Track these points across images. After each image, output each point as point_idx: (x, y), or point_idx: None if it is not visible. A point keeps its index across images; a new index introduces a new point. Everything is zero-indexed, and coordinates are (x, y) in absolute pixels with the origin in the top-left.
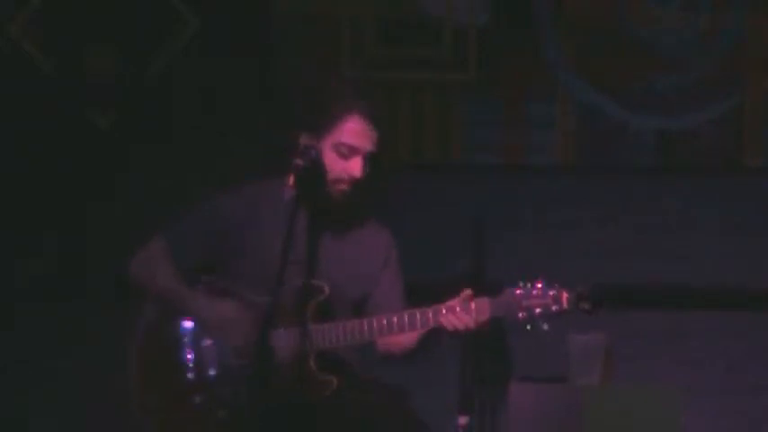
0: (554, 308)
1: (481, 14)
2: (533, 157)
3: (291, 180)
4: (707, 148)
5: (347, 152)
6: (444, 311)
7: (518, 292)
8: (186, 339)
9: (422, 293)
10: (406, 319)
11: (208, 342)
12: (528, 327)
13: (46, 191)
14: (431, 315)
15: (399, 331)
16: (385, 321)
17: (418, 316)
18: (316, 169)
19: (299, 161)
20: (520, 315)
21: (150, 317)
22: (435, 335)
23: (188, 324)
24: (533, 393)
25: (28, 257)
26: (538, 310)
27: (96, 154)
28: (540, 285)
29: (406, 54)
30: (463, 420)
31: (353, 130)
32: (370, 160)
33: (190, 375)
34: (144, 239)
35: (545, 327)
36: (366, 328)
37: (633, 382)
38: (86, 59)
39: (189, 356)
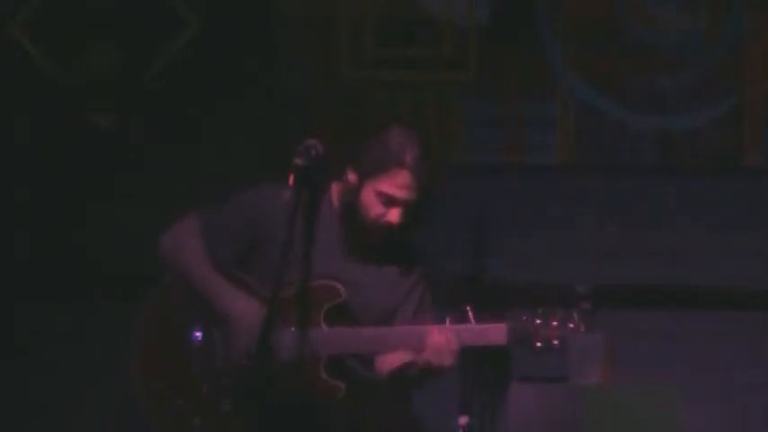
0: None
1: (481, 14)
2: (533, 157)
3: (291, 180)
4: (707, 148)
5: (388, 201)
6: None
7: (537, 321)
8: (196, 327)
9: None
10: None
11: (217, 331)
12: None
13: (46, 191)
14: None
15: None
16: (391, 336)
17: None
18: (315, 169)
19: (299, 161)
20: (537, 345)
21: (160, 301)
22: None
23: (198, 311)
24: (533, 393)
25: (28, 257)
26: (555, 342)
27: (96, 154)
28: (559, 315)
29: (406, 54)
30: (463, 420)
31: (398, 182)
32: (410, 207)
33: (196, 364)
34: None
35: (555, 342)
36: (372, 339)
37: (633, 382)
38: (86, 59)
39: (197, 345)
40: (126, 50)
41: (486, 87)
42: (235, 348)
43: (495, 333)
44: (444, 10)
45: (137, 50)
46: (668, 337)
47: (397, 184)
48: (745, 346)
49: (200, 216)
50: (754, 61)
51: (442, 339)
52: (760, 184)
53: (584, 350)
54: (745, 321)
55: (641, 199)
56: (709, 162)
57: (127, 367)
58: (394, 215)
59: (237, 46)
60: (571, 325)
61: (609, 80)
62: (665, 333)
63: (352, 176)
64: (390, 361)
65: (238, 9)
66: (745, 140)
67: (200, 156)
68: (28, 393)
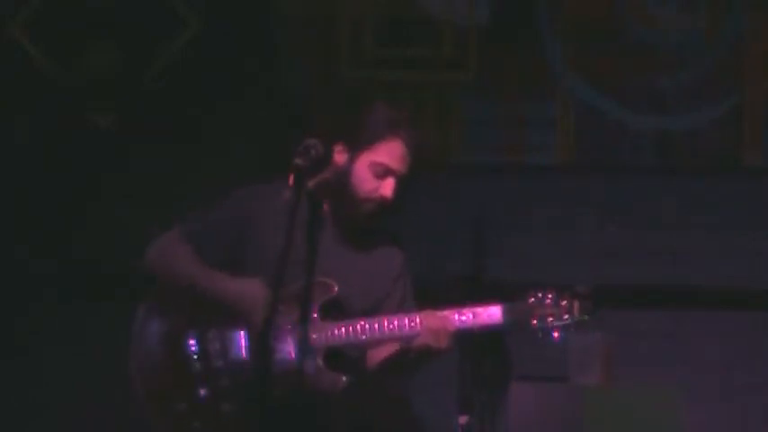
0: (566, 317)
1: (481, 14)
2: (533, 156)
3: (291, 180)
4: (707, 148)
5: (382, 172)
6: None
7: (531, 300)
8: (191, 331)
9: (421, 293)
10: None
11: (213, 334)
12: (539, 335)
13: (46, 191)
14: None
15: (396, 333)
16: (386, 323)
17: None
18: (315, 169)
19: (298, 161)
20: (533, 322)
21: (154, 306)
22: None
23: (194, 315)
24: (533, 393)
25: (28, 257)
26: (550, 319)
27: (96, 154)
28: (551, 295)
29: (406, 54)
30: (463, 420)
31: (393, 152)
32: (401, 182)
33: (194, 367)
34: (144, 238)
35: (555, 335)
36: (368, 328)
37: (633, 382)
38: (86, 59)
39: (193, 348)
40: (126, 50)
41: (486, 87)
42: (252, 326)
43: (491, 313)
44: (444, 10)
45: (137, 50)
46: (668, 337)
47: (391, 153)
48: (745, 346)
49: (183, 224)
50: (754, 61)
51: (438, 322)
52: (760, 184)
53: (584, 350)
54: (745, 321)
55: (641, 199)
56: (709, 162)
57: (127, 368)
58: (387, 188)
59: (237, 46)
60: (564, 302)
61: (609, 80)
62: (665, 333)
63: (340, 156)
64: (383, 352)
65: (238, 9)
66: (745, 140)
67: (200, 156)
68: (28, 393)
